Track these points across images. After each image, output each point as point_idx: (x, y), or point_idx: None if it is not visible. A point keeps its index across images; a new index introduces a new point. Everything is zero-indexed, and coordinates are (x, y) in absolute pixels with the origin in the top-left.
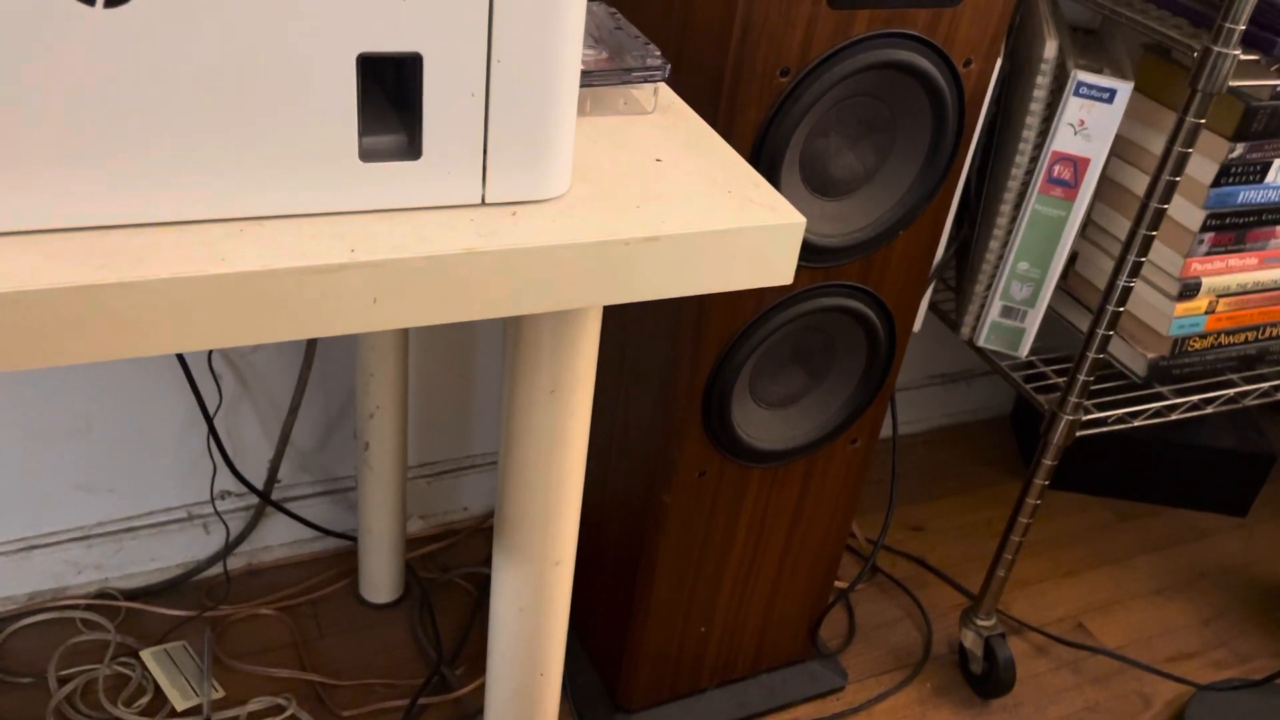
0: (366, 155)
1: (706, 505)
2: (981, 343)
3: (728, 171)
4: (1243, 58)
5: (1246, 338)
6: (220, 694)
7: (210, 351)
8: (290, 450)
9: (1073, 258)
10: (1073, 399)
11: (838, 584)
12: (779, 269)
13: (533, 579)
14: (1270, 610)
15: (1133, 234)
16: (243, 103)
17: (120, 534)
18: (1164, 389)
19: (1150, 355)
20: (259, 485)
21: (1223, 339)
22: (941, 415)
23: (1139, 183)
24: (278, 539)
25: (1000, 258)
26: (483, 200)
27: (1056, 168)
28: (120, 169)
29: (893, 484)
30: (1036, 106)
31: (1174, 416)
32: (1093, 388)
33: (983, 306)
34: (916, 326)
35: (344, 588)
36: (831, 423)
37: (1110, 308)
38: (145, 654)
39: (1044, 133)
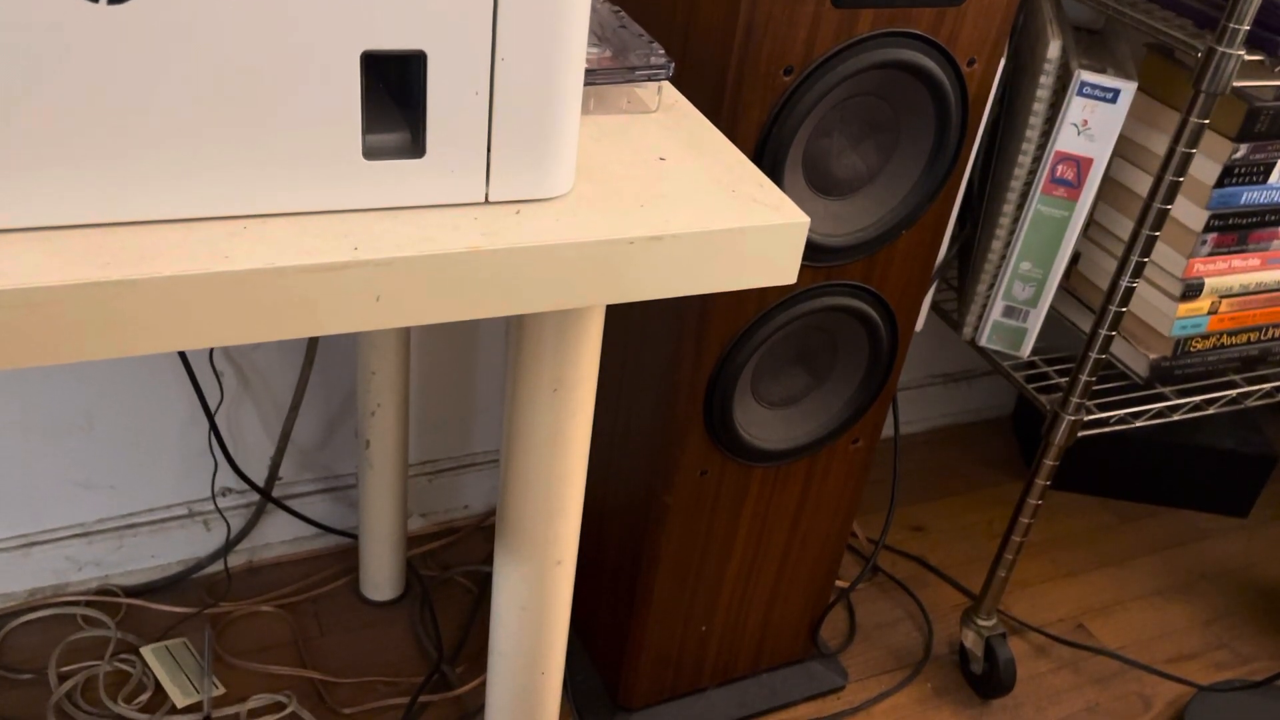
0: (370, 153)
1: (708, 505)
2: (983, 342)
3: (731, 170)
4: (1247, 58)
5: (1248, 338)
6: (220, 691)
7: (212, 349)
8: (291, 447)
9: (1075, 258)
10: (1074, 399)
11: (838, 584)
12: (783, 268)
13: (534, 578)
14: (1271, 611)
15: (1135, 234)
16: (246, 100)
17: (121, 530)
18: (1166, 389)
19: (1152, 356)
20: (260, 482)
21: (1225, 340)
22: (943, 415)
23: (1142, 183)
24: (278, 536)
25: (1003, 258)
26: (486, 199)
27: (1059, 168)
28: (124, 166)
29: (894, 484)
30: (1040, 106)
31: (1176, 417)
32: (1094, 388)
33: (985, 306)
34: (919, 326)
35: (344, 585)
36: (833, 422)
37: (1112, 308)
38: (146, 651)
39: (1047, 133)
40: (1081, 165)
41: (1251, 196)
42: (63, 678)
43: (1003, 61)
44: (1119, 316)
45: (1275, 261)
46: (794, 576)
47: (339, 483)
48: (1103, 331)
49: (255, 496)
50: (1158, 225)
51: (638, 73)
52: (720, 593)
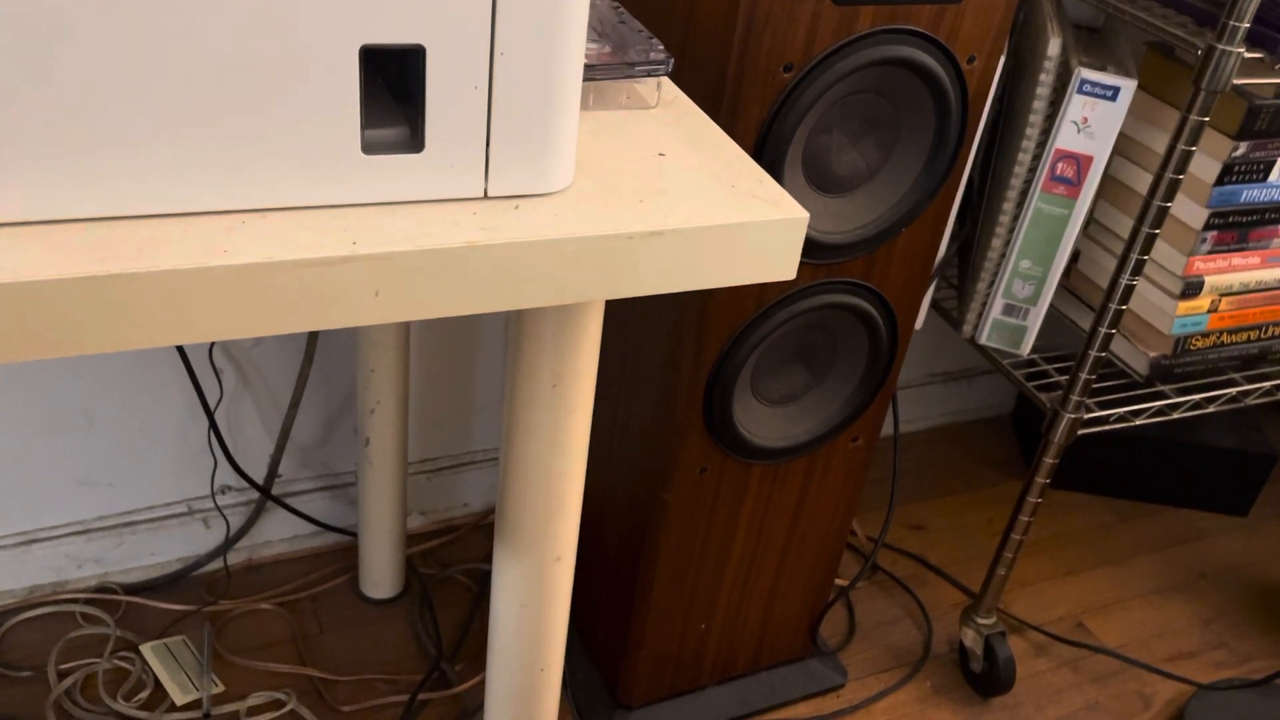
0: (369, 148)
1: (707, 502)
2: (983, 341)
3: (731, 166)
4: (1247, 56)
5: (1248, 337)
6: (220, 689)
7: (211, 346)
8: (291, 445)
9: (1075, 256)
10: (1074, 397)
11: (838, 582)
12: (782, 264)
13: (533, 575)
14: (1270, 610)
15: (1135, 232)
16: (245, 95)
17: (120, 528)
18: (1166, 388)
19: (1152, 354)
20: (259, 480)
21: (1225, 338)
22: (943, 413)
23: (1142, 181)
24: (278, 534)
25: (1002, 255)
26: (485, 194)
27: (1059, 165)
28: (122, 161)
29: (894, 482)
30: (1039, 104)
31: (1175, 415)
32: (1094, 386)
33: (985, 304)
34: (918, 324)
35: (344, 583)
36: (833, 420)
37: (1112, 306)
38: (145, 648)
39: (1047, 130)
40: (1081, 163)
41: (1251, 194)
42: (62, 675)
43: (1002, 59)
44: (1119, 314)
45: (1275, 260)
46: (793, 574)
47: (338, 480)
48: (1103, 329)
49: (255, 494)
50: (1158, 223)
51: (637, 68)
52: (720, 591)
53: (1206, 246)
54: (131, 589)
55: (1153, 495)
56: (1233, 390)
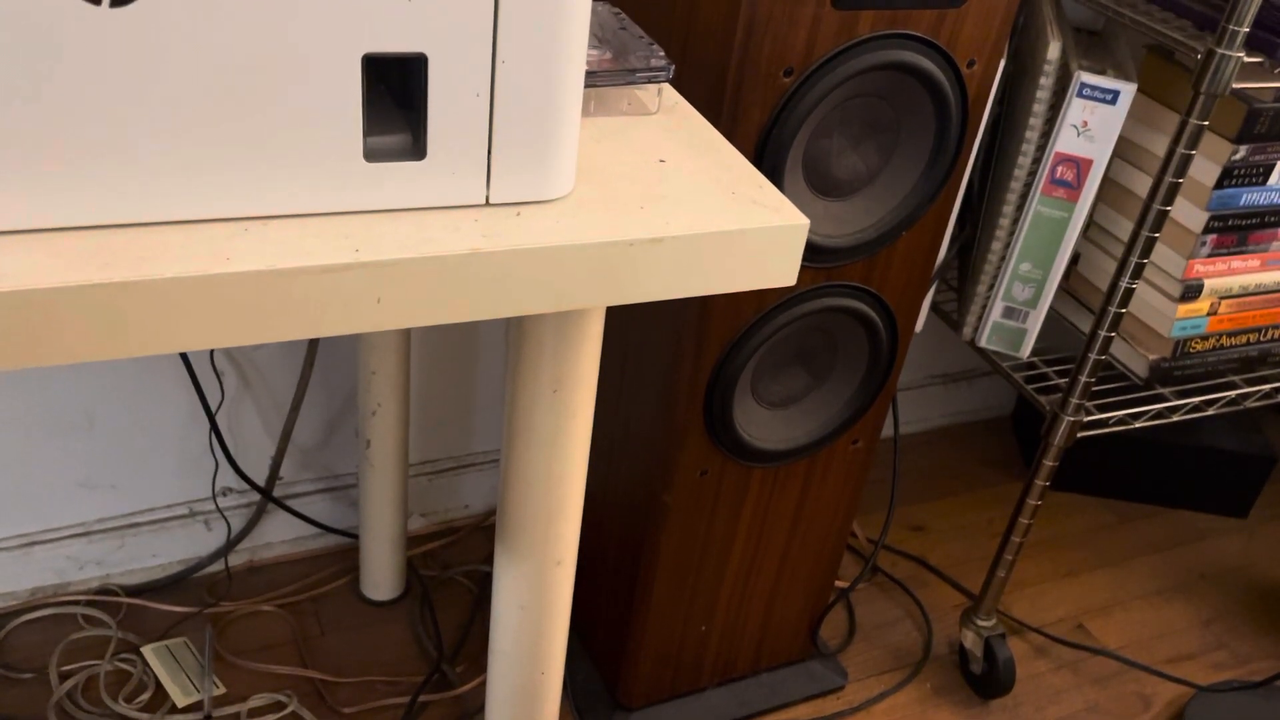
0: (371, 155)
1: (708, 505)
2: (983, 343)
3: (731, 172)
4: (1246, 60)
5: (1248, 339)
6: (221, 690)
7: (212, 349)
8: (292, 447)
9: (1075, 259)
10: (1074, 400)
11: (838, 583)
12: (782, 270)
13: (534, 577)
14: (1270, 612)
15: (1135, 235)
16: (248, 102)
17: (122, 530)
18: (1165, 390)
19: (1152, 357)
20: (261, 482)
21: (1224, 341)
22: (943, 415)
23: (1142, 184)
24: (279, 536)
25: (1002, 258)
26: (487, 201)
27: (1059, 169)
28: (125, 168)
29: (894, 484)
30: (1039, 108)
31: (1175, 418)
32: (1094, 389)
33: (985, 307)
34: (918, 327)
35: (345, 585)
36: (833, 422)
37: (1112, 309)
38: (146, 650)
39: (1047, 134)
40: (1081, 166)
41: (1251, 198)
42: (64, 677)
43: (1002, 63)
44: (1118, 317)
45: (1275, 263)
46: (793, 576)
47: (339, 482)
48: (1102, 332)
49: (256, 496)
50: (1157, 226)
51: (638, 75)
52: (720, 592)
53: (1206, 249)
54: (133, 591)
55: (1152, 497)
56: (1232, 393)
